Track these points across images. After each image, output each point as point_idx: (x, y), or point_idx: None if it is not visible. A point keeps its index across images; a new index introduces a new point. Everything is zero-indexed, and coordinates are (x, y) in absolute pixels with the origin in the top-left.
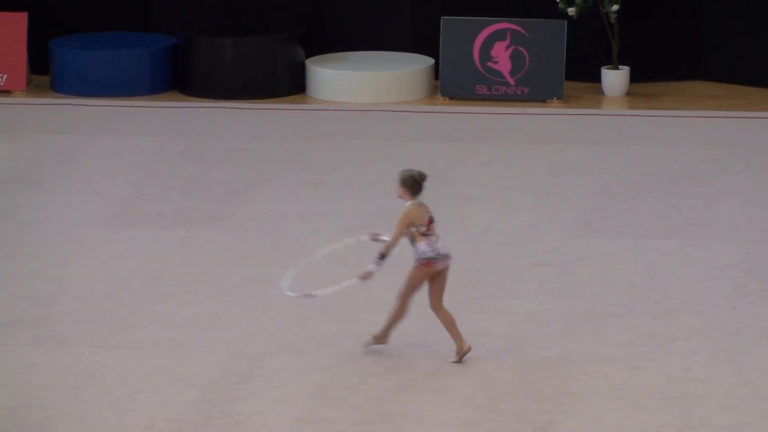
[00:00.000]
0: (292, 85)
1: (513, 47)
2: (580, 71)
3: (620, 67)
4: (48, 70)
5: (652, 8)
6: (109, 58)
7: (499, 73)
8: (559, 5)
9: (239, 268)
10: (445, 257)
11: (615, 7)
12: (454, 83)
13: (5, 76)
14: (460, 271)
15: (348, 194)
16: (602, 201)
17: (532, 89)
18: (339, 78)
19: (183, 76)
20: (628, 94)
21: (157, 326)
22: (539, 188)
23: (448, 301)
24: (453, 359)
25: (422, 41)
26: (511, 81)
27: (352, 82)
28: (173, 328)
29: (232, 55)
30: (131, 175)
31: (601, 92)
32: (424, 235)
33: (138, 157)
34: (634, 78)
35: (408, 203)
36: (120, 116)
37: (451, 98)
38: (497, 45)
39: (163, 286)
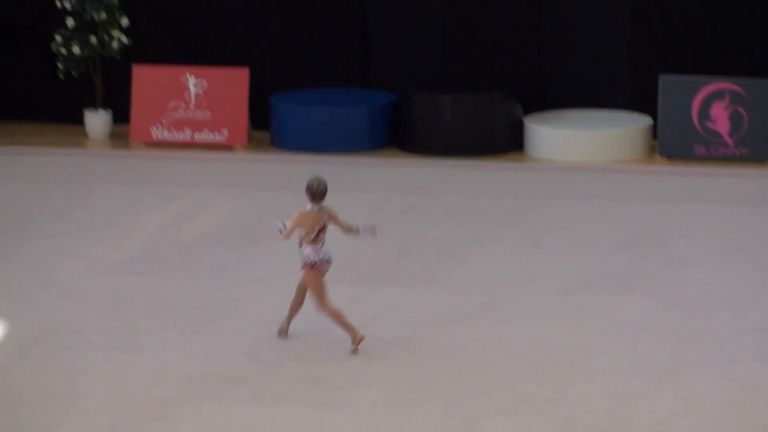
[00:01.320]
0: (510, 143)
1: (732, 107)
2: None
3: None
4: (268, 126)
5: None
6: (328, 114)
7: (717, 134)
8: None
9: (456, 327)
10: (328, 261)
11: None
12: (672, 143)
13: (226, 131)
14: (676, 333)
15: (565, 254)
16: None
17: (752, 150)
18: (557, 136)
19: (402, 132)
20: None
21: (375, 385)
22: (759, 251)
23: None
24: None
25: (640, 99)
26: (730, 142)
27: (570, 140)
28: (390, 388)
29: (451, 113)
30: None
31: None
32: (312, 241)
33: (356, 214)
34: None
35: (308, 206)
36: (339, 172)
37: (670, 158)
38: (716, 105)
39: (380, 345)
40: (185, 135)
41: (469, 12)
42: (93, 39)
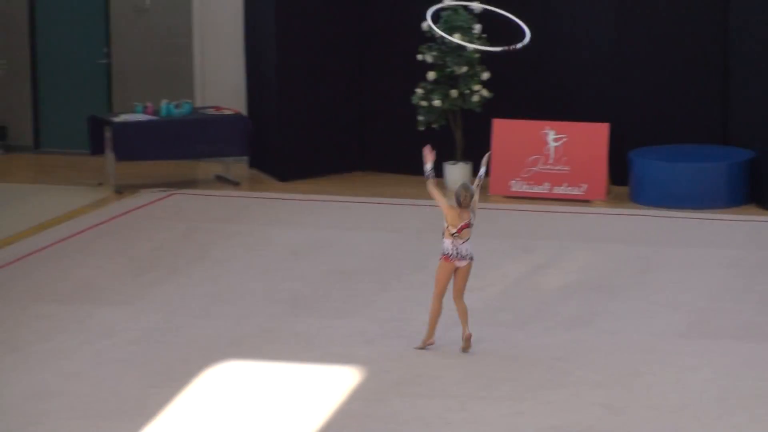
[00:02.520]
0: None
1: None
2: None
3: None
4: (626, 182)
5: None
6: (687, 171)
7: None
8: None
9: None
10: (464, 257)
11: None
12: None
13: (586, 185)
14: None
15: None
16: None
17: None
18: None
19: (760, 189)
20: None
21: None
22: None
23: None
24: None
25: None
26: None
27: None
28: None
29: None
30: (707, 287)
31: None
32: (452, 235)
33: (714, 270)
34: None
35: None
36: (697, 228)
37: None
38: None
39: (735, 399)
40: (544, 188)
41: None
42: (454, 92)
